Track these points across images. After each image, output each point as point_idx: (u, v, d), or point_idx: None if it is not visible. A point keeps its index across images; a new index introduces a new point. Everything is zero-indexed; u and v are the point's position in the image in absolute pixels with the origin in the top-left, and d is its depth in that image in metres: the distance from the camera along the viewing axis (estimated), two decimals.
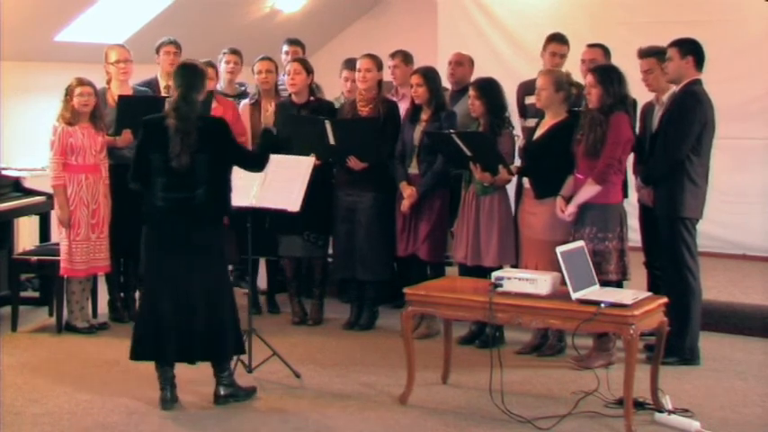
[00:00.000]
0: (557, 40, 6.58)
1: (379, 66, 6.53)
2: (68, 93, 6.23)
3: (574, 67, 6.46)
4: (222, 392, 5.01)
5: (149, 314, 4.98)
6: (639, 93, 6.03)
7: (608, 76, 5.47)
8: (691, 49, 5.64)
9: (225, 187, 4.99)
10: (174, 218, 4.90)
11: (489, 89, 5.99)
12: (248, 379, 5.34)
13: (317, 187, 6.05)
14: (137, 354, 5.00)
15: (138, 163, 5.00)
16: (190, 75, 4.96)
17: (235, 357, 5.21)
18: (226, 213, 5.11)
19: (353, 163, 6.32)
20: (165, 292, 4.91)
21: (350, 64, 6.71)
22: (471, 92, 6.01)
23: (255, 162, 5.21)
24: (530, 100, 6.33)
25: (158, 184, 4.89)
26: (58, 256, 6.36)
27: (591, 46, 6.53)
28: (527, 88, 6.43)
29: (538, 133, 5.84)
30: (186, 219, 4.88)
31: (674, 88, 5.74)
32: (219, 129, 4.99)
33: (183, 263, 4.88)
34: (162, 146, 4.83)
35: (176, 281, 4.89)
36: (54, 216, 6.99)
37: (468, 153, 5.82)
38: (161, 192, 4.89)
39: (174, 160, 4.79)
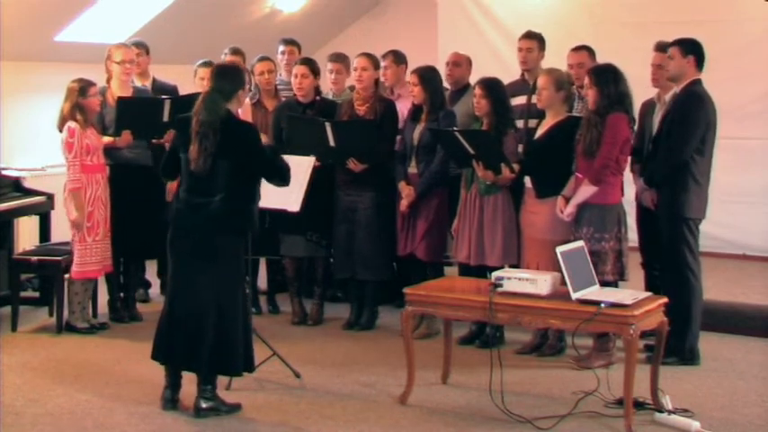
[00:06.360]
0: (522, 36, 6.63)
1: (376, 65, 6.55)
2: (83, 94, 6.13)
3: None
4: (203, 405, 4.84)
5: (163, 315, 4.95)
6: (639, 92, 6.02)
7: (604, 77, 5.47)
8: (692, 49, 5.65)
9: (247, 199, 4.85)
10: (187, 222, 4.84)
11: (495, 88, 5.99)
12: (247, 381, 5.33)
13: (320, 187, 6.05)
14: (152, 353, 4.98)
15: (168, 158, 5.02)
16: (221, 77, 4.87)
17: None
18: (248, 227, 4.92)
19: (353, 165, 6.32)
20: (175, 295, 4.88)
21: (333, 57, 6.73)
22: (477, 90, 6.00)
23: (279, 175, 4.92)
24: (515, 101, 6.31)
25: (183, 184, 4.88)
26: (59, 256, 6.36)
27: (575, 49, 6.42)
28: (512, 90, 6.42)
29: (539, 132, 5.84)
30: (199, 224, 4.79)
31: (676, 88, 5.74)
32: (246, 136, 4.82)
33: (194, 269, 4.80)
34: (187, 146, 4.79)
35: (187, 286, 4.82)
36: (55, 217, 7.00)
37: (471, 151, 5.82)
38: (183, 193, 4.87)
39: (192, 163, 4.75)
